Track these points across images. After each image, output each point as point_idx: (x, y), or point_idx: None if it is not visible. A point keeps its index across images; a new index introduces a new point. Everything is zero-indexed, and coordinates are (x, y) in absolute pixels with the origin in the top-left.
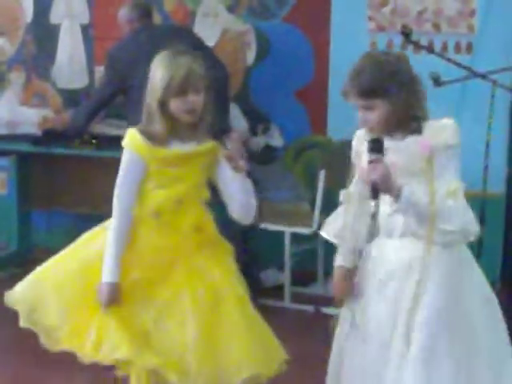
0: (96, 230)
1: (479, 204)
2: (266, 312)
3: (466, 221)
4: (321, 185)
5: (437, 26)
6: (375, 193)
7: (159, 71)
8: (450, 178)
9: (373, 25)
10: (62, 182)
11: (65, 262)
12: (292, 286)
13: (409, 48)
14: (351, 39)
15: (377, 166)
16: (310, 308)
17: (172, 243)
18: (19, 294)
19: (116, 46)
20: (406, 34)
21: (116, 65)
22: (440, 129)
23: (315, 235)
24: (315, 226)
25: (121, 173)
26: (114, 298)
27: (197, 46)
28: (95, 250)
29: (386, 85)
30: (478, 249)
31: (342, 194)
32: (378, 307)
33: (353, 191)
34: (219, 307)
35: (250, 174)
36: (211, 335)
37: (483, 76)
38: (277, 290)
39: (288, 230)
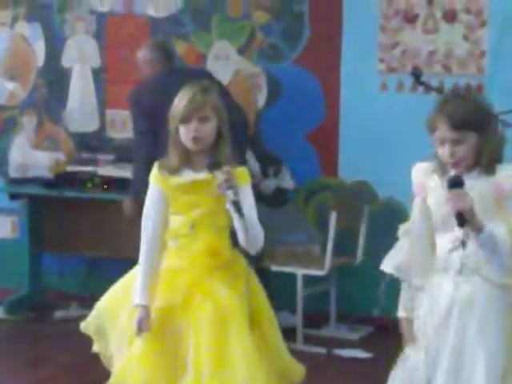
0: None
1: None
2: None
3: None
4: (332, 226)
5: (447, 68)
6: (462, 221)
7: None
8: None
9: (383, 66)
10: (73, 225)
11: (115, 290)
12: (304, 328)
13: (419, 89)
14: (362, 81)
15: (462, 195)
16: (322, 350)
17: (187, 266)
18: (86, 323)
19: (138, 90)
20: (417, 75)
21: (142, 108)
22: None
23: (327, 277)
24: (327, 267)
25: (145, 203)
26: (143, 320)
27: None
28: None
29: (478, 118)
30: None
31: (402, 229)
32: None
33: (417, 224)
34: (227, 330)
35: (237, 205)
36: (220, 355)
37: None
38: (289, 332)
39: (300, 271)
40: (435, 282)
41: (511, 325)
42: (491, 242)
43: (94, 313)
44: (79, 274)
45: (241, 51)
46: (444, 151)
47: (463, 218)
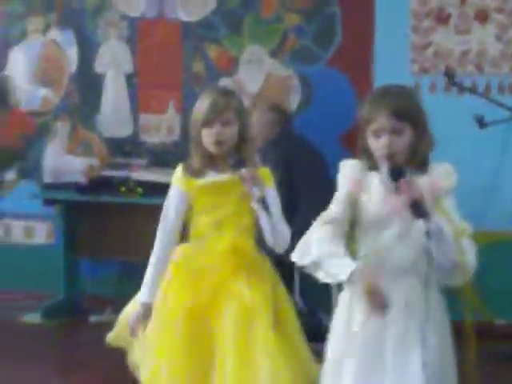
0: None
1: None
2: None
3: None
4: None
5: (480, 67)
6: (419, 210)
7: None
8: (459, 219)
9: (416, 67)
10: (108, 231)
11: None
12: None
13: (452, 90)
14: (394, 81)
15: (412, 184)
16: None
17: (212, 265)
18: (113, 334)
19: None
20: (450, 75)
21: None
22: (448, 173)
23: None
24: None
25: (165, 203)
26: (143, 318)
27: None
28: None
29: (417, 113)
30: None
31: (324, 216)
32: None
33: (336, 215)
34: (251, 330)
35: (264, 201)
36: (244, 355)
37: None
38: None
39: None
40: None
41: (447, 327)
42: (439, 231)
43: (120, 321)
44: (113, 279)
45: (273, 54)
46: (379, 142)
47: (420, 207)
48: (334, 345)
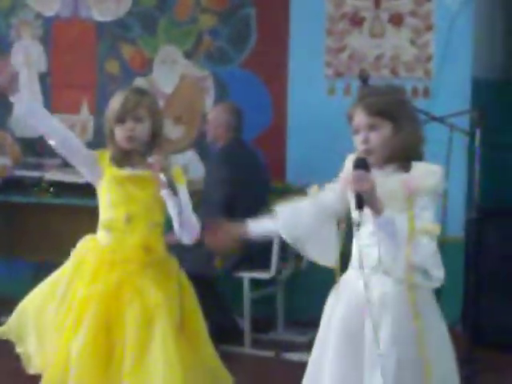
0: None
1: (439, 247)
2: (226, 358)
3: (433, 264)
4: None
5: (394, 71)
6: (360, 203)
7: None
8: (429, 220)
9: (330, 70)
10: (21, 231)
11: (40, 288)
12: (252, 332)
13: None
14: (309, 85)
15: (364, 178)
16: (270, 354)
17: (120, 259)
18: (5, 326)
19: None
20: (364, 78)
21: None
22: (429, 173)
23: (274, 280)
24: (273, 271)
25: None
26: None
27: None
28: (60, 270)
29: (394, 109)
30: (438, 292)
31: (312, 189)
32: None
33: (324, 195)
34: (151, 330)
35: (171, 183)
36: (141, 355)
37: (441, 120)
38: (237, 336)
39: (247, 275)
40: (348, 278)
41: (423, 325)
42: (390, 227)
43: (14, 315)
44: (28, 279)
45: (188, 55)
46: (358, 138)
47: (361, 200)
48: (315, 345)
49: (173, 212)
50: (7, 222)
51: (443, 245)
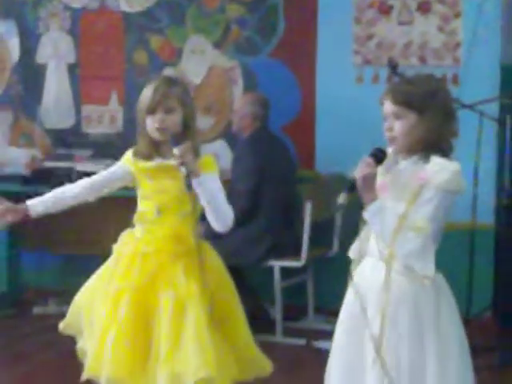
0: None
1: (469, 235)
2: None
3: (417, 260)
4: (307, 217)
5: (422, 59)
6: (352, 187)
7: None
8: (424, 216)
9: (359, 58)
10: (51, 222)
11: (89, 282)
12: (283, 320)
13: (395, 81)
14: (337, 73)
15: (366, 166)
16: (301, 342)
17: (153, 251)
18: (64, 322)
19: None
20: (392, 66)
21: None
22: (442, 168)
23: (304, 268)
24: (304, 258)
25: None
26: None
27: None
28: (105, 264)
29: (421, 100)
30: (469, 279)
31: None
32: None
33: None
34: (184, 320)
35: (188, 179)
36: (176, 342)
37: (470, 107)
38: (268, 325)
39: (277, 263)
40: (362, 265)
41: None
42: (378, 216)
43: (70, 310)
44: (57, 271)
45: (216, 45)
46: (385, 125)
47: (354, 185)
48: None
49: (202, 202)
50: None
51: (474, 231)
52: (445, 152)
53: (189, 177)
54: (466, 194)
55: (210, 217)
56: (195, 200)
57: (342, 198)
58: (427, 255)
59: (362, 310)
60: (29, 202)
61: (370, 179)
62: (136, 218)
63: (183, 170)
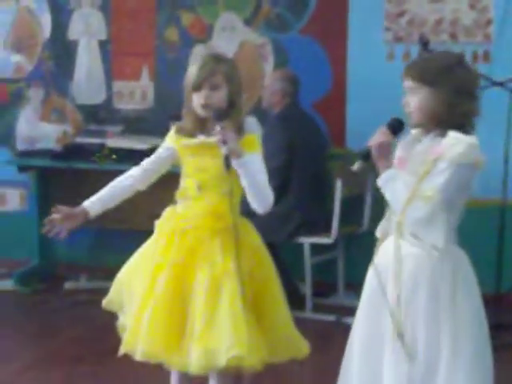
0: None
1: (499, 211)
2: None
3: (424, 229)
4: (338, 194)
5: (454, 36)
6: (367, 155)
7: None
8: (433, 186)
9: (390, 35)
10: (82, 197)
11: (132, 259)
12: (313, 296)
13: None
14: (368, 50)
15: (383, 134)
16: (331, 318)
17: (192, 227)
18: (107, 298)
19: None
20: (424, 43)
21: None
22: (457, 142)
23: (334, 245)
24: (334, 235)
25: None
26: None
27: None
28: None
29: (434, 75)
30: (498, 256)
31: None
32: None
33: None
34: (220, 294)
35: (227, 159)
36: (209, 319)
37: (501, 84)
38: (298, 301)
39: (307, 240)
40: (385, 243)
41: (437, 291)
42: (391, 184)
43: (114, 287)
44: (88, 246)
45: (247, 22)
46: (403, 101)
47: (369, 153)
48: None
49: (243, 182)
50: (68, 189)
51: (504, 208)
52: (465, 129)
53: (228, 158)
54: (497, 172)
55: (249, 197)
56: (236, 180)
57: (356, 166)
58: (435, 225)
59: (380, 286)
60: (86, 203)
61: (385, 147)
62: (178, 194)
63: (224, 150)
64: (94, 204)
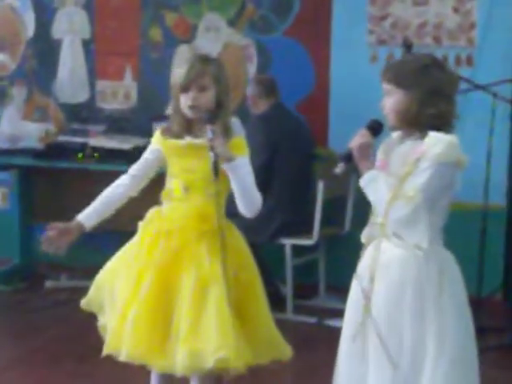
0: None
1: (481, 215)
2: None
3: (406, 228)
4: (320, 196)
5: (437, 39)
6: (348, 157)
7: None
8: (415, 186)
9: (373, 38)
10: (64, 196)
11: (113, 260)
12: (294, 298)
13: None
14: (352, 52)
15: (364, 136)
16: (312, 320)
17: (178, 229)
18: (86, 299)
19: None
20: (407, 46)
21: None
22: (438, 141)
23: (316, 247)
24: (316, 237)
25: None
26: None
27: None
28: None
29: (407, 77)
30: (480, 260)
31: None
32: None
33: None
34: (207, 296)
35: (215, 166)
36: (196, 322)
37: (484, 88)
38: (279, 303)
39: (289, 241)
40: (370, 247)
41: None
42: (373, 185)
43: (93, 288)
44: (70, 245)
45: (231, 23)
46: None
47: (350, 155)
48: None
49: (232, 185)
50: (50, 188)
51: (486, 212)
52: (443, 131)
53: (216, 165)
54: (479, 175)
55: (238, 201)
56: (222, 181)
57: (339, 168)
58: (418, 225)
59: (363, 294)
60: (80, 217)
61: (365, 148)
62: (163, 194)
63: (212, 155)
64: (88, 216)
